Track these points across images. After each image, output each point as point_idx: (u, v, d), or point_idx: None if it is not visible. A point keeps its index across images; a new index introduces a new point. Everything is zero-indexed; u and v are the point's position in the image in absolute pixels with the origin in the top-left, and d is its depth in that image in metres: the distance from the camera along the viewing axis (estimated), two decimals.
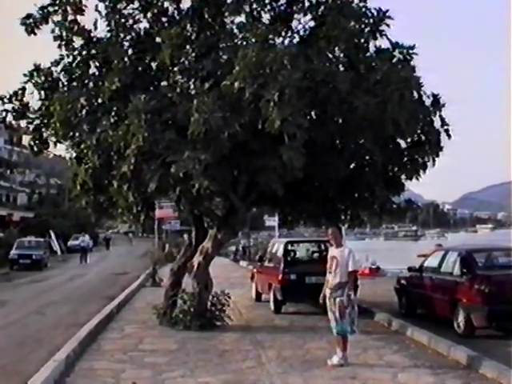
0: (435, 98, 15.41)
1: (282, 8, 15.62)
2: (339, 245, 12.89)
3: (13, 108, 16.60)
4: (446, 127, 15.56)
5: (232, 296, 17.70)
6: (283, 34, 15.28)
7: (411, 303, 18.12)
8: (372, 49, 15.10)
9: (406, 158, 16.10)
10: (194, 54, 14.66)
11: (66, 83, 16.39)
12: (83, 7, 16.03)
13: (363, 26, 14.70)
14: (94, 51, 16.14)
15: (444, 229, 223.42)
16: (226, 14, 14.99)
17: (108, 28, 15.87)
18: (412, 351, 13.27)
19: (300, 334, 15.19)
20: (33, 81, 16.28)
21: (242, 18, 15.15)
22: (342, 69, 14.57)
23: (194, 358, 12.78)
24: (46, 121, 16.50)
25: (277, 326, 17.12)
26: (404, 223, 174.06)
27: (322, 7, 15.00)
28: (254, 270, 23.99)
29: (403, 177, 16.50)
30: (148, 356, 13.13)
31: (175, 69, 14.71)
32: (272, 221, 48.25)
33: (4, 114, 16.64)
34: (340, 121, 14.34)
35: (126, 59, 15.43)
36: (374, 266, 39.38)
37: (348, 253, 12.58)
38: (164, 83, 15.30)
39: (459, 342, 13.08)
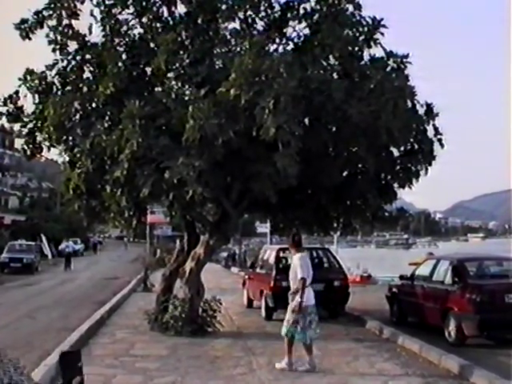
0: (428, 107, 15.50)
1: (277, 15, 15.63)
2: (296, 252, 13.04)
3: (7, 111, 16.59)
4: (439, 136, 15.65)
5: (223, 302, 17.70)
6: (277, 41, 15.33)
7: (402, 311, 18.14)
8: (366, 57, 15.19)
9: (398, 167, 16.16)
10: (188, 60, 14.67)
11: (60, 87, 16.37)
12: (78, 12, 16.02)
13: (358, 34, 14.79)
14: (88, 56, 16.14)
15: (435, 237, 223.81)
16: (220, 20, 15.04)
17: (103, 33, 15.86)
18: (403, 359, 13.29)
19: None
20: (27, 84, 16.26)
21: (236, 25, 15.23)
22: (336, 77, 14.63)
23: (185, 364, 12.78)
24: (39, 124, 16.47)
25: (268, 333, 17.11)
26: (395, 231, 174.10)
27: (317, 15, 15.09)
28: (246, 277, 23.99)
29: (396, 185, 16.55)
30: (139, 361, 13.13)
31: (170, 74, 14.75)
32: (264, 227, 48.41)
33: None
34: (334, 129, 14.41)
35: (120, 64, 15.40)
36: (365, 274, 39.45)
37: (298, 260, 12.69)
38: (159, 89, 15.31)
39: (450, 351, 13.11)
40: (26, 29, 15.91)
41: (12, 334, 17.22)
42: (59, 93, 16.17)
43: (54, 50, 16.09)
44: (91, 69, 16.27)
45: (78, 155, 15.41)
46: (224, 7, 14.83)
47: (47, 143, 16.79)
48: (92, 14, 15.81)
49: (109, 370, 12.24)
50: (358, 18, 14.94)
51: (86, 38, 16.18)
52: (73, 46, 16.17)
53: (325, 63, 14.57)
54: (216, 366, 12.67)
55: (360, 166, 16.09)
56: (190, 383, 11.24)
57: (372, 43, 14.88)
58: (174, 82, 14.61)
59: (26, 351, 14.56)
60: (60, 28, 15.94)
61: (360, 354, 13.99)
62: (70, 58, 16.22)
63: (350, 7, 15.04)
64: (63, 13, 15.88)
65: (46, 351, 13.44)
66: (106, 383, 11.24)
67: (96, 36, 16.02)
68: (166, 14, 15.94)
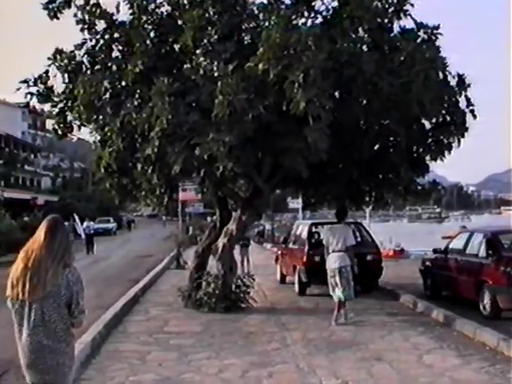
0: (460, 78, 15.23)
1: None
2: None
3: (37, 91, 16.64)
4: (471, 107, 15.39)
5: (256, 278, 17.74)
6: (306, 14, 15.14)
7: (436, 285, 18.04)
8: (396, 29, 14.95)
9: (430, 139, 15.96)
10: (216, 36, 14.58)
11: (89, 66, 16.40)
12: None
13: (387, 5, 14.48)
14: (116, 35, 16.12)
15: (468, 211, 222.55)
16: None
17: (130, 11, 15.81)
18: (437, 333, 13.23)
19: (325, 316, 15.17)
20: (56, 64, 16.29)
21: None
22: (366, 49, 14.44)
23: (219, 340, 12.84)
24: (69, 104, 16.54)
25: (301, 308, 17.14)
26: (428, 205, 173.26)
27: None
28: (279, 252, 24.00)
29: (428, 158, 16.37)
30: (173, 338, 13.21)
31: (198, 51, 14.65)
32: (295, 203, 48.31)
33: (29, 97, 16.66)
34: (364, 102, 14.24)
35: (148, 42, 15.38)
36: (397, 248, 39.32)
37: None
38: (187, 65, 15.22)
39: (485, 324, 13.01)
40: (53, 8, 15.93)
41: None
42: (88, 72, 16.19)
43: (82, 30, 16.11)
44: (120, 47, 16.25)
45: (109, 134, 15.50)
46: None
47: (78, 122, 16.90)
48: None
49: (144, 347, 12.33)
50: None
51: (114, 17, 16.14)
52: (101, 25, 16.16)
53: (354, 36, 14.35)
54: (250, 342, 12.71)
55: (391, 138, 15.97)
56: (225, 359, 11.27)
57: (402, 14, 14.63)
58: (202, 59, 14.47)
59: None
60: (88, 7, 15.94)
61: (394, 327, 13.95)
62: (98, 37, 16.22)
63: None
64: None
65: (79, 329, 13.52)
66: (141, 360, 11.32)
67: (124, 14, 16.01)
68: None
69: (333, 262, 14.65)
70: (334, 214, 16.41)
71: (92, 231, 47.05)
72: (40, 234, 5.64)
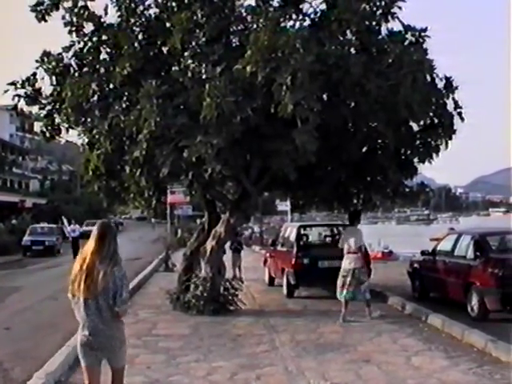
0: (448, 81, 15.27)
1: None
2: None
3: (25, 93, 16.60)
4: (459, 110, 15.44)
5: (245, 280, 17.71)
6: (294, 17, 15.17)
7: (424, 287, 18.07)
8: (384, 31, 14.98)
9: (418, 141, 15.99)
10: (204, 39, 14.61)
11: (77, 69, 16.40)
12: None
13: (375, 8, 14.54)
14: (104, 37, 16.12)
15: (456, 213, 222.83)
16: None
17: (118, 13, 15.83)
18: (426, 335, 13.25)
19: (313, 318, 15.20)
20: (44, 66, 16.27)
21: (252, 1, 15.15)
22: (353, 52, 14.46)
23: (208, 343, 12.81)
24: (57, 106, 16.53)
25: (290, 310, 17.13)
26: (416, 207, 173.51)
27: None
28: (267, 255, 23.97)
29: (416, 160, 16.40)
30: (162, 341, 13.17)
31: (186, 53, 14.67)
32: (284, 205, 48.33)
33: (16, 99, 16.61)
34: (352, 104, 14.27)
35: (136, 44, 15.41)
36: (386, 250, 39.39)
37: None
38: (175, 68, 15.25)
39: (473, 326, 13.03)
40: (41, 11, 15.94)
41: (36, 315, 17.37)
42: (76, 74, 16.18)
43: (70, 32, 16.12)
44: (108, 50, 16.27)
45: (97, 136, 15.47)
46: None
47: (66, 125, 16.87)
48: None
49: (132, 350, 12.20)
50: None
51: (102, 19, 16.16)
52: (89, 27, 16.19)
53: (342, 38, 14.37)
54: (238, 344, 12.69)
55: (379, 141, 15.99)
56: (213, 361, 11.25)
57: (389, 17, 14.66)
58: (190, 61, 14.49)
59: (51, 332, 14.69)
60: (75, 9, 15.94)
61: (382, 329, 13.96)
62: (86, 39, 16.23)
63: None
64: None
65: (69, 332, 13.47)
66: (130, 363, 11.23)
67: (112, 17, 16.04)
68: None
69: (347, 262, 15.34)
70: (347, 217, 17.04)
71: (78, 234, 45.04)
72: (92, 239, 7.01)
